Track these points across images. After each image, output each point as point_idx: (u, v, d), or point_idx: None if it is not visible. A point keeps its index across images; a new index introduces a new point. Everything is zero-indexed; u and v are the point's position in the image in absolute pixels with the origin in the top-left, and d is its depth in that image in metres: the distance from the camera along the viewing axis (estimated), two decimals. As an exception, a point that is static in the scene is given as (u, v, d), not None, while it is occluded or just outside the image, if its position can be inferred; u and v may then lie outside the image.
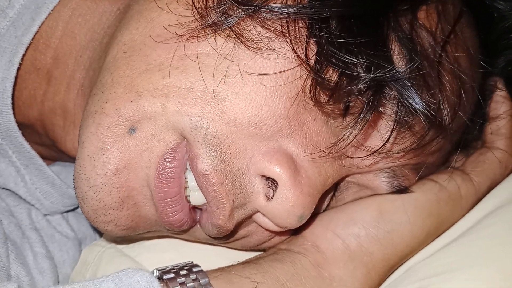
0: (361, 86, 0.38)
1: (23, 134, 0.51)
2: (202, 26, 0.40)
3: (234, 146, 0.40)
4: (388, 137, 0.42)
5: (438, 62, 0.42)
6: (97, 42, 0.48)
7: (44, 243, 0.55)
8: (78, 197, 0.43)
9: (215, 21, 0.40)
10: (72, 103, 0.49)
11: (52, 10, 0.47)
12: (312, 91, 0.39)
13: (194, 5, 0.41)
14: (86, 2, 0.48)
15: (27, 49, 0.47)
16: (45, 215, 0.57)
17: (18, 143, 0.50)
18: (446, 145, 0.49)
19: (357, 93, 0.39)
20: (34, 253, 0.54)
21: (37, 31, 0.47)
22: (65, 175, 0.57)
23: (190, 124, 0.40)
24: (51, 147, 0.53)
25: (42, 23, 0.47)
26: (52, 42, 0.48)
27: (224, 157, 0.40)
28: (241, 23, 0.40)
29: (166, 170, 0.41)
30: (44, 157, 0.57)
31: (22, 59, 0.46)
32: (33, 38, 0.47)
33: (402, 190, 0.49)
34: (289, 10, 0.39)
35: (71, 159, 0.52)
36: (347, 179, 0.48)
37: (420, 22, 0.42)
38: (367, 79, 0.38)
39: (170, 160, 0.41)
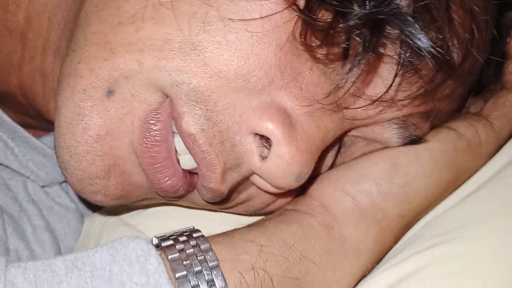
0: (355, 22, 0.34)
1: (7, 105, 0.48)
2: None
3: (221, 102, 0.37)
4: (391, 82, 0.37)
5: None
6: (70, 0, 0.44)
7: (43, 215, 0.53)
8: (61, 167, 0.40)
9: None
10: (50, 67, 0.46)
11: None
12: (302, 35, 0.35)
13: None
14: None
15: None
16: (43, 186, 0.55)
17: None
18: (459, 89, 0.44)
19: (351, 32, 0.34)
20: (33, 226, 0.52)
21: None
22: None
23: (170, 80, 0.36)
24: (38, 117, 0.51)
25: None
26: (22, 1, 0.45)
27: (211, 115, 0.37)
28: None
29: (151, 133, 0.38)
30: (36, 128, 0.55)
31: None
32: None
33: (415, 140, 0.44)
34: None
35: None
36: (352, 133, 0.44)
37: None
38: (361, 14, 0.33)
39: (154, 122, 0.38)
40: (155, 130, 0.38)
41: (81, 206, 0.57)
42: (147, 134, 0.38)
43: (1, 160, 0.51)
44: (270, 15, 0.36)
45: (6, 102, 0.51)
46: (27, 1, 0.45)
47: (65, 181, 0.56)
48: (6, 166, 0.52)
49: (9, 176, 0.53)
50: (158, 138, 0.38)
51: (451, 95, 0.43)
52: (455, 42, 0.37)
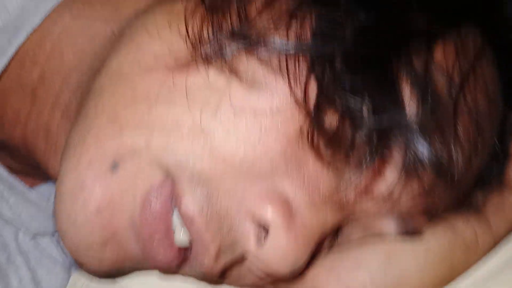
0: (364, 132, 0.34)
1: (8, 154, 0.48)
2: (194, 58, 0.37)
3: (223, 187, 0.37)
4: (393, 186, 0.38)
5: (454, 108, 0.38)
6: (87, 66, 0.45)
7: (31, 267, 0.53)
8: (59, 232, 0.40)
9: (209, 53, 0.36)
10: (56, 126, 0.46)
11: (39, 28, 0.45)
12: (309, 137, 0.36)
13: (188, 35, 0.38)
14: (77, 22, 0.45)
15: (9, 67, 0.45)
16: (34, 236, 0.54)
17: None
18: (460, 190, 0.45)
19: (359, 140, 0.35)
20: (20, 277, 0.52)
21: (20, 49, 0.45)
22: None
23: (175, 161, 0.37)
24: (38, 168, 0.51)
25: (26, 41, 0.44)
26: (39, 60, 0.46)
27: (212, 198, 0.37)
28: (236, 57, 0.37)
29: (151, 209, 0.38)
30: (34, 176, 0.55)
31: (1, 79, 0.45)
32: (16, 55, 0.45)
33: (411, 233, 0.45)
34: (290, 47, 0.36)
35: None
36: (350, 222, 0.44)
37: (436, 61, 0.38)
38: (371, 124, 0.34)
39: (155, 199, 0.38)
40: (155, 207, 0.38)
41: (71, 259, 0.56)
42: (148, 211, 0.38)
43: None
44: (280, 109, 0.36)
45: (7, 151, 0.52)
46: (44, 60, 0.46)
47: (57, 231, 0.55)
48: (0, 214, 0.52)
49: (1, 226, 0.52)
50: (158, 214, 0.38)
51: (450, 197, 0.43)
52: (459, 154, 0.38)
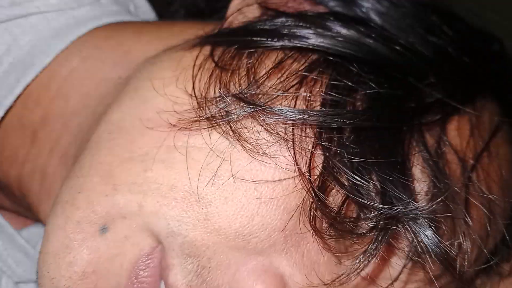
0: (370, 218, 0.32)
1: (2, 192, 0.47)
2: (199, 118, 0.35)
3: (215, 260, 0.34)
4: (396, 276, 0.35)
5: (465, 197, 0.36)
6: (90, 110, 0.43)
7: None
8: None
9: (214, 114, 0.35)
10: (52, 169, 0.44)
11: (47, 68, 0.44)
12: (311, 214, 0.34)
13: (194, 93, 0.36)
14: (85, 64, 0.44)
15: (12, 105, 0.43)
16: (17, 283, 0.52)
17: None
18: (468, 280, 0.42)
19: (364, 230, 0.33)
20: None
21: (25, 89, 0.43)
22: None
23: (167, 229, 0.34)
24: (29, 209, 0.49)
25: (32, 81, 0.43)
26: (43, 101, 0.44)
27: (202, 272, 0.34)
28: (241, 121, 0.35)
29: (139, 279, 0.35)
30: (26, 217, 0.53)
31: (4, 117, 0.43)
32: (21, 94, 0.43)
33: None
34: (297, 115, 0.34)
35: None
36: None
37: (449, 139, 0.37)
38: (377, 215, 0.32)
39: (143, 267, 0.35)
40: (143, 277, 0.35)
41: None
42: (135, 280, 0.35)
43: None
44: (282, 180, 0.34)
45: (2, 190, 0.50)
46: (48, 102, 0.45)
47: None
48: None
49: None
50: (146, 286, 0.35)
51: (458, 285, 0.41)
52: (468, 247, 0.36)
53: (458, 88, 0.39)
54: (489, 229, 0.37)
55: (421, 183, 0.35)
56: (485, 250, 0.37)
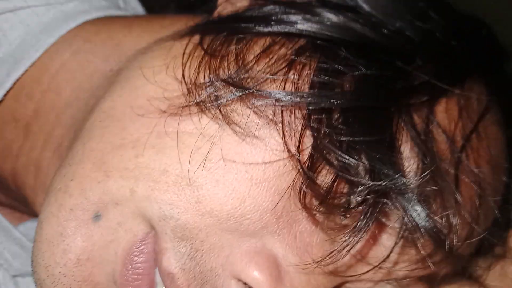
0: (359, 197, 0.33)
1: None
2: (188, 103, 0.35)
3: (208, 242, 0.35)
4: (388, 254, 0.36)
5: (455, 172, 0.36)
6: (83, 102, 0.44)
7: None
8: (36, 282, 0.38)
9: (203, 99, 0.35)
10: (46, 162, 0.45)
11: (38, 62, 0.44)
12: (301, 194, 0.34)
13: (184, 79, 0.37)
14: (76, 57, 0.45)
15: (4, 99, 0.44)
16: (14, 276, 0.52)
17: None
18: (459, 262, 0.42)
19: (354, 204, 0.33)
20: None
21: (16, 83, 0.44)
22: None
23: (159, 213, 0.35)
24: (25, 203, 0.49)
25: (23, 75, 0.44)
26: (35, 94, 0.45)
27: (195, 255, 0.35)
28: (230, 105, 0.35)
29: (134, 265, 0.36)
30: (22, 212, 0.53)
31: None
32: (12, 88, 0.44)
33: None
34: (285, 97, 0.34)
35: None
36: (345, 285, 0.41)
37: (437, 119, 0.37)
38: (366, 189, 0.33)
39: (138, 253, 0.36)
40: (138, 263, 0.36)
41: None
42: (130, 266, 0.36)
43: None
44: (272, 161, 0.35)
45: None
46: (39, 95, 0.45)
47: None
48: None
49: (-18, 261, 0.50)
50: (141, 271, 0.36)
51: (448, 266, 0.41)
52: (459, 224, 0.36)
53: (446, 70, 0.39)
54: (478, 206, 0.37)
55: (410, 161, 0.35)
56: (475, 227, 0.37)
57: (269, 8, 0.39)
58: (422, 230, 0.34)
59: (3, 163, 0.47)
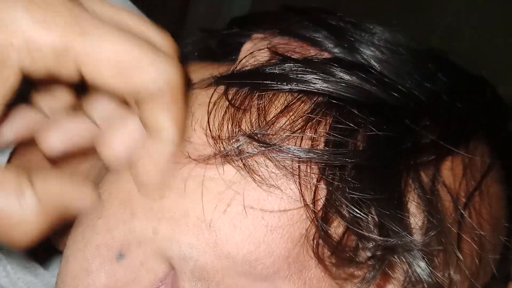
0: (369, 252, 0.35)
1: None
2: (215, 155, 0.38)
3: (223, 284, 0.37)
4: None
5: (458, 231, 0.39)
6: None
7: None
8: None
9: (228, 150, 0.38)
10: None
11: None
12: (314, 243, 0.36)
13: (209, 128, 0.39)
14: None
15: None
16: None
17: None
18: None
19: (363, 259, 0.36)
20: None
21: None
22: (56, 265, 0.54)
23: (179, 253, 0.37)
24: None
25: None
26: None
27: None
28: (253, 156, 0.38)
29: None
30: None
31: None
32: None
33: None
34: (303, 154, 0.37)
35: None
36: None
37: (443, 179, 0.40)
38: (376, 245, 0.35)
39: None
40: None
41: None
42: None
43: None
44: (287, 210, 0.37)
45: None
46: None
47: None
48: (-4, 280, 0.51)
49: (-3, 290, 0.52)
50: None
51: None
52: (459, 277, 0.38)
53: (452, 130, 0.42)
54: (478, 263, 0.40)
55: (416, 218, 0.38)
56: (474, 282, 0.40)
57: (288, 65, 0.42)
58: (425, 284, 0.36)
59: None
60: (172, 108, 0.35)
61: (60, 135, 0.38)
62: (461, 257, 0.38)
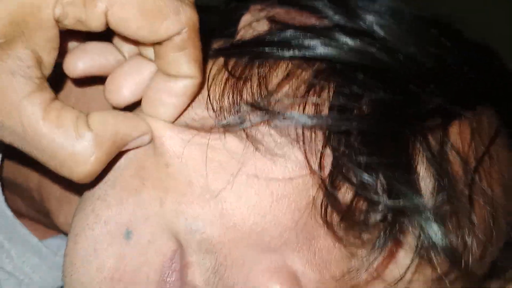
0: (378, 215, 0.34)
1: (20, 197, 0.49)
2: (216, 126, 0.37)
3: (231, 257, 0.36)
4: (405, 271, 0.37)
5: (469, 193, 0.38)
6: None
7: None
8: None
9: (229, 121, 0.37)
10: None
11: None
12: (322, 209, 0.35)
13: (210, 101, 0.38)
14: None
15: None
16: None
17: (0, 211, 0.47)
18: (473, 281, 0.43)
19: (373, 222, 0.35)
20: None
21: None
22: (55, 243, 0.54)
23: (185, 226, 0.36)
24: (47, 216, 0.50)
25: None
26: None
27: (219, 269, 0.36)
28: (255, 125, 0.37)
29: (167, 286, 0.37)
30: (45, 225, 0.54)
31: None
32: None
33: None
34: (307, 120, 0.36)
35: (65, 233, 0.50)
36: None
37: (451, 141, 0.39)
38: (385, 208, 0.34)
39: (169, 272, 0.37)
40: (170, 283, 0.37)
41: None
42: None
43: None
44: (293, 178, 0.36)
45: (20, 194, 0.52)
46: None
47: (57, 288, 0.54)
48: (1, 268, 0.51)
49: (4, 277, 0.51)
50: None
51: (464, 284, 0.42)
52: (474, 243, 0.37)
53: (458, 95, 0.41)
54: (492, 226, 0.39)
55: (425, 181, 0.37)
56: (489, 246, 0.39)
57: (289, 32, 0.41)
58: (439, 248, 0.35)
59: (30, 172, 0.48)
60: (194, 52, 0.35)
61: (86, 56, 0.39)
62: (475, 220, 0.37)
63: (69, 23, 0.32)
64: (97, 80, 0.42)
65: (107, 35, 0.38)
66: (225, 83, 0.39)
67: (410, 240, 0.37)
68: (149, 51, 0.38)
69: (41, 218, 0.53)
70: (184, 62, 0.35)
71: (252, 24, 0.44)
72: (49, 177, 0.48)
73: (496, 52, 0.49)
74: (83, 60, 0.39)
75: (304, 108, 0.37)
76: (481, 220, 0.38)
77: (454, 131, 0.40)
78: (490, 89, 0.44)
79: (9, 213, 0.48)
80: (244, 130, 0.37)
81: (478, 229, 0.38)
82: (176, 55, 0.35)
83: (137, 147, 0.38)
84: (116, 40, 0.40)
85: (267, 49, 0.40)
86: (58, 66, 0.36)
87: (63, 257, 0.39)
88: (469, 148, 0.39)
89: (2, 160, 0.48)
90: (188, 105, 0.38)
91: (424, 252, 0.36)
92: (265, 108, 0.37)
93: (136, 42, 0.38)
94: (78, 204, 0.40)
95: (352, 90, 0.37)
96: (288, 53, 0.39)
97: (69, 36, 0.39)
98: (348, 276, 0.36)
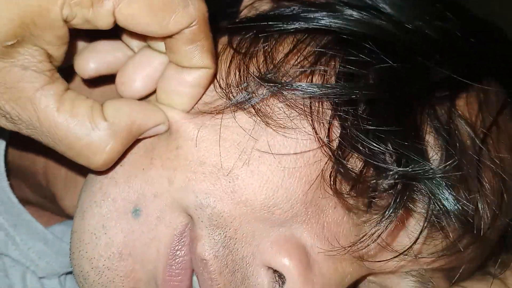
0: (388, 181, 0.34)
1: (25, 182, 0.48)
2: (225, 106, 0.37)
3: (241, 231, 0.36)
4: (415, 239, 0.37)
5: (478, 159, 0.37)
6: None
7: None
8: (77, 275, 0.38)
9: (238, 98, 0.37)
10: None
11: None
12: (332, 179, 0.35)
13: (220, 85, 0.38)
14: None
15: None
16: (41, 278, 0.53)
17: (6, 198, 0.47)
18: (485, 250, 0.43)
19: (383, 189, 0.34)
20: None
21: None
22: (60, 229, 0.54)
23: (195, 202, 0.36)
24: (53, 201, 0.50)
25: None
26: None
27: (229, 243, 0.36)
28: (264, 100, 0.37)
29: (176, 260, 0.37)
30: (51, 211, 0.54)
31: None
32: None
33: None
34: (314, 89, 0.36)
35: (70, 217, 0.49)
36: (368, 277, 0.42)
37: (459, 112, 0.38)
38: (395, 174, 0.34)
39: (179, 247, 0.37)
40: (180, 257, 0.37)
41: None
42: (173, 262, 0.37)
43: (1, 250, 0.50)
44: (303, 152, 0.36)
45: (27, 180, 0.51)
46: None
47: (63, 274, 0.54)
48: (8, 255, 0.51)
49: (10, 264, 0.51)
50: (184, 264, 0.37)
51: (476, 256, 0.42)
52: (485, 208, 0.37)
53: (465, 66, 0.40)
54: (503, 191, 0.38)
55: (434, 150, 0.37)
56: (500, 210, 0.38)
57: (293, 6, 0.41)
58: (451, 213, 0.35)
59: (37, 155, 0.48)
60: (206, 44, 0.35)
61: (96, 55, 0.40)
62: (486, 185, 0.37)
63: (77, 22, 0.32)
64: (106, 79, 0.42)
65: (115, 31, 0.38)
66: (231, 61, 0.39)
67: (420, 209, 0.37)
68: (159, 44, 0.38)
69: (46, 204, 0.53)
70: (197, 55, 0.35)
71: (254, 4, 0.44)
72: (55, 160, 0.47)
73: (501, 28, 0.49)
74: (94, 60, 0.40)
75: (311, 78, 0.37)
76: (491, 185, 0.38)
77: (462, 102, 0.39)
78: (496, 63, 0.44)
79: (14, 199, 0.48)
80: (253, 106, 0.37)
81: (489, 193, 0.38)
82: (188, 49, 0.35)
83: (153, 136, 0.38)
84: (125, 36, 0.40)
85: (272, 23, 0.39)
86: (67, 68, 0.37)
87: (71, 234, 0.39)
88: (477, 118, 0.39)
89: (7, 148, 0.48)
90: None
91: (435, 219, 0.36)
92: (272, 81, 0.36)
93: (145, 37, 0.38)
94: (84, 183, 0.40)
95: (359, 58, 0.37)
96: (293, 26, 0.39)
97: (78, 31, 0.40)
98: (356, 246, 0.36)
